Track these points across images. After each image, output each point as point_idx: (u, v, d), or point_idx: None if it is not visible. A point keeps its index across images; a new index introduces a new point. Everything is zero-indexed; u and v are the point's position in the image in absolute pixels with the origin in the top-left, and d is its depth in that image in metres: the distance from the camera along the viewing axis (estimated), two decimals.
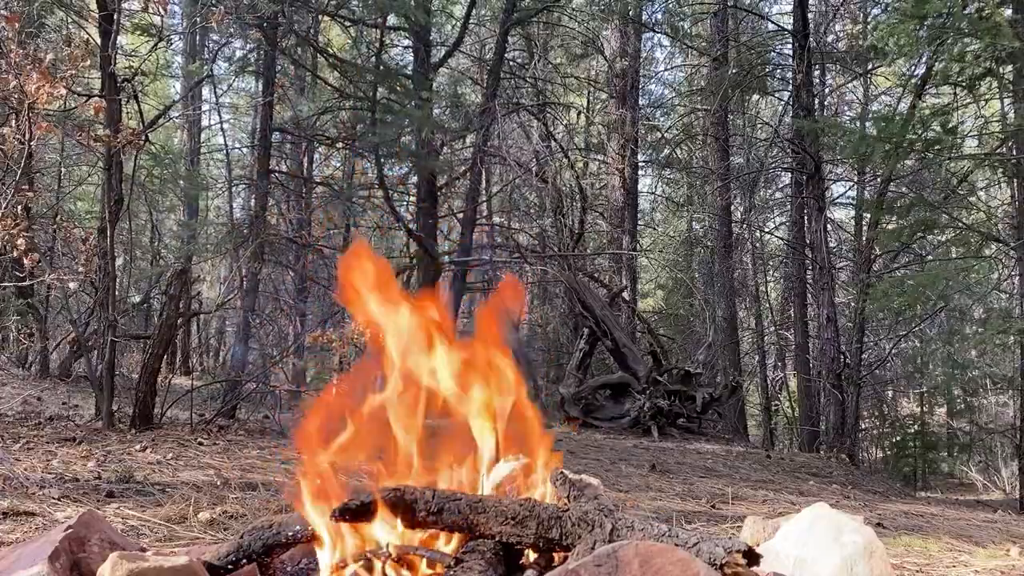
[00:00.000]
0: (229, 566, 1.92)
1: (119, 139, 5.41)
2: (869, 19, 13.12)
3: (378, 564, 1.86)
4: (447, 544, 1.94)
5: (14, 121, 5.36)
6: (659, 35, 16.23)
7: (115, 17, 5.87)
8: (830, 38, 14.09)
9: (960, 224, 10.32)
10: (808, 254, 12.01)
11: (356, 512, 1.84)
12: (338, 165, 15.35)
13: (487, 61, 12.69)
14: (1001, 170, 10.37)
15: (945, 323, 12.58)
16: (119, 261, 6.90)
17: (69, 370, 8.50)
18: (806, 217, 12.18)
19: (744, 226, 13.82)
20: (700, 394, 10.06)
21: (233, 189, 11.15)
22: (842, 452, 9.84)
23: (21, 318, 8.57)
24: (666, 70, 18.27)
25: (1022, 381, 10.39)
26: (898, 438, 12.72)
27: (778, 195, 15.62)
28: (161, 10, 6.43)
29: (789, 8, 13.59)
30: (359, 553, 1.89)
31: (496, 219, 15.52)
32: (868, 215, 11.59)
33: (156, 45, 7.26)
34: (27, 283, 5.97)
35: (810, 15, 12.34)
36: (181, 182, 9.08)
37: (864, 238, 11.87)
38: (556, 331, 14.93)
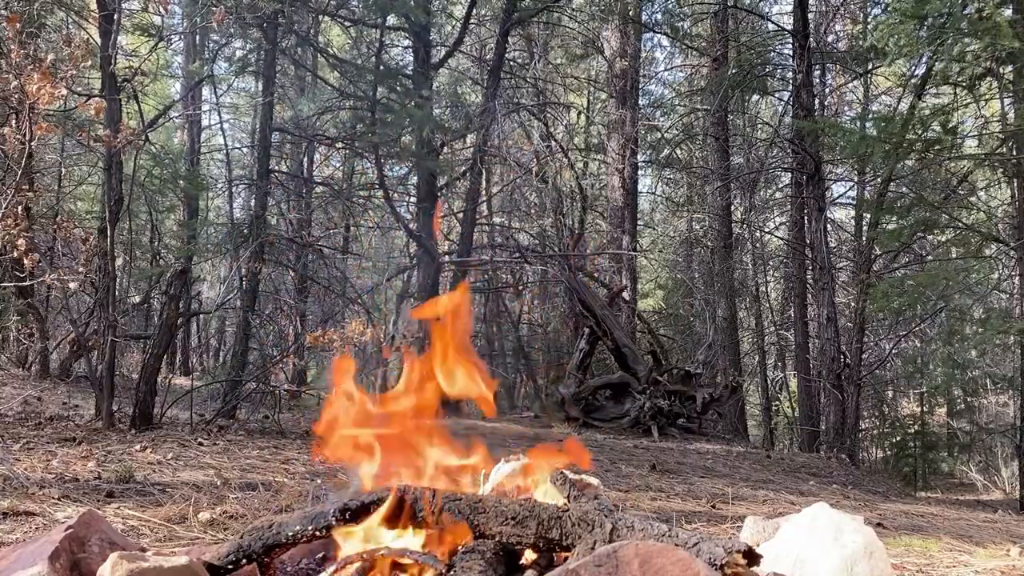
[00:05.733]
0: (229, 566, 1.92)
1: (119, 139, 5.41)
2: (869, 19, 13.11)
3: (376, 564, 1.86)
4: (446, 544, 1.93)
5: (14, 121, 5.36)
6: (659, 35, 16.22)
7: (115, 17, 5.87)
8: (830, 38, 14.08)
9: (960, 224, 10.31)
10: (808, 254, 12.01)
11: (356, 512, 1.84)
12: (338, 165, 15.35)
13: (487, 61, 12.69)
14: (1001, 170, 10.36)
15: (945, 323, 12.57)
16: (119, 261, 6.90)
17: (69, 370, 8.50)
18: (806, 217, 12.18)
19: (744, 226, 13.82)
20: (700, 394, 10.06)
21: (233, 189, 11.15)
22: (842, 452, 9.84)
23: (21, 318, 8.57)
24: (666, 70, 18.28)
25: (1022, 381, 10.39)
26: (898, 438, 12.72)
27: (778, 195, 15.61)
28: (161, 10, 6.43)
29: (789, 8, 13.60)
30: (356, 555, 1.89)
31: (496, 219, 15.52)
32: (868, 215, 11.59)
33: (156, 45, 7.26)
34: (27, 283, 5.97)
35: (810, 15, 12.34)
36: (181, 182, 9.07)
37: (864, 238, 11.87)
38: (556, 331, 14.94)
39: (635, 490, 5.07)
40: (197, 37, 12.96)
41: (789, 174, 13.83)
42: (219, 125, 12.54)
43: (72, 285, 6.42)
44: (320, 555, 2.09)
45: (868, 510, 5.19)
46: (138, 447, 4.72)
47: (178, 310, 6.24)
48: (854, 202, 14.22)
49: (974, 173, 11.13)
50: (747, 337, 15.44)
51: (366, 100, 9.63)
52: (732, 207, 14.23)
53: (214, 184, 12.89)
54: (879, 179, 10.98)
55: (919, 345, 14.23)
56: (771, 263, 16.00)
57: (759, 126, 15.15)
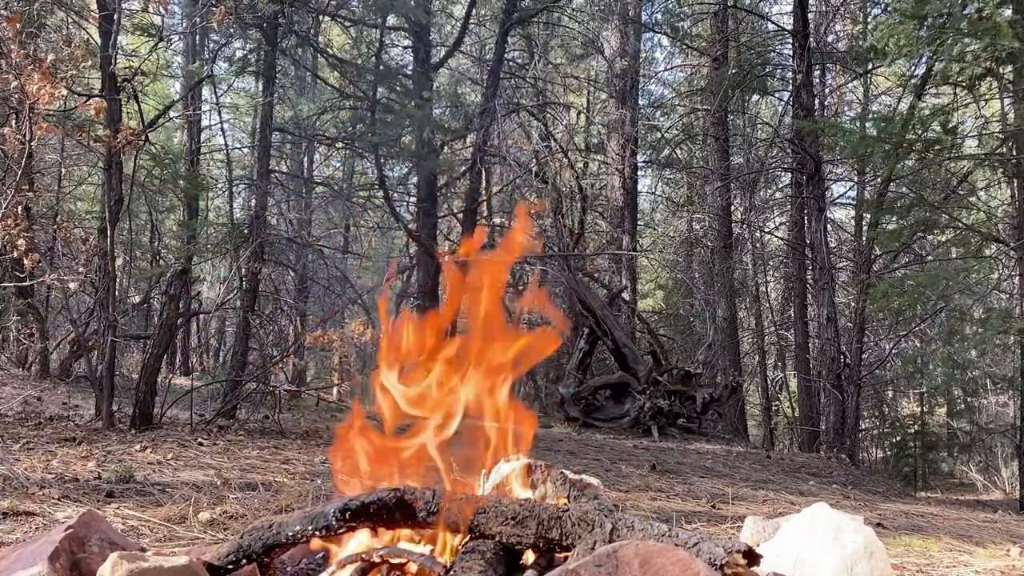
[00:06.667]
0: (229, 566, 1.92)
1: (119, 139, 5.41)
2: (869, 19, 13.11)
3: (375, 565, 1.86)
4: (448, 543, 1.93)
5: (14, 121, 5.36)
6: (659, 35, 16.23)
7: (115, 17, 5.87)
8: (830, 38, 14.08)
9: (960, 224, 10.31)
10: (808, 254, 12.01)
11: (356, 512, 1.84)
12: (338, 165, 15.35)
13: (487, 61, 12.68)
14: (1001, 170, 10.36)
15: (945, 323, 12.58)
16: (119, 261, 6.90)
17: (69, 370, 8.50)
18: (806, 217, 12.18)
19: (744, 226, 13.82)
20: (700, 394, 10.06)
21: (233, 189, 11.15)
22: (842, 452, 9.84)
23: (21, 318, 8.57)
24: (666, 70, 18.28)
25: (1022, 381, 10.39)
26: (898, 438, 12.72)
27: (778, 195, 15.61)
28: (161, 10, 6.43)
29: (789, 8, 13.60)
30: (355, 555, 1.89)
31: (496, 219, 15.51)
32: (868, 215, 11.59)
33: (156, 45, 7.26)
34: (27, 283, 5.97)
35: (810, 15, 12.33)
36: (181, 182, 9.07)
37: (864, 238, 11.87)
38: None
39: (635, 490, 5.07)
40: (197, 37, 12.95)
41: (789, 174, 13.84)
42: (219, 125, 12.54)
43: (72, 285, 6.43)
44: (320, 555, 2.09)
45: (868, 510, 5.19)
46: (138, 447, 4.72)
47: (178, 310, 6.24)
48: (854, 202, 14.22)
49: (974, 173, 11.13)
50: (747, 337, 15.44)
51: (366, 100, 9.63)
52: (732, 207, 14.23)
53: (214, 184, 12.89)
54: (879, 179, 10.98)
55: (919, 345, 14.23)
56: (771, 263, 16.00)
57: (759, 126, 15.15)
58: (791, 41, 11.99)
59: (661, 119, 16.20)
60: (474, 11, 11.87)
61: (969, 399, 14.24)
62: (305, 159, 13.82)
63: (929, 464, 12.42)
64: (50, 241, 8.58)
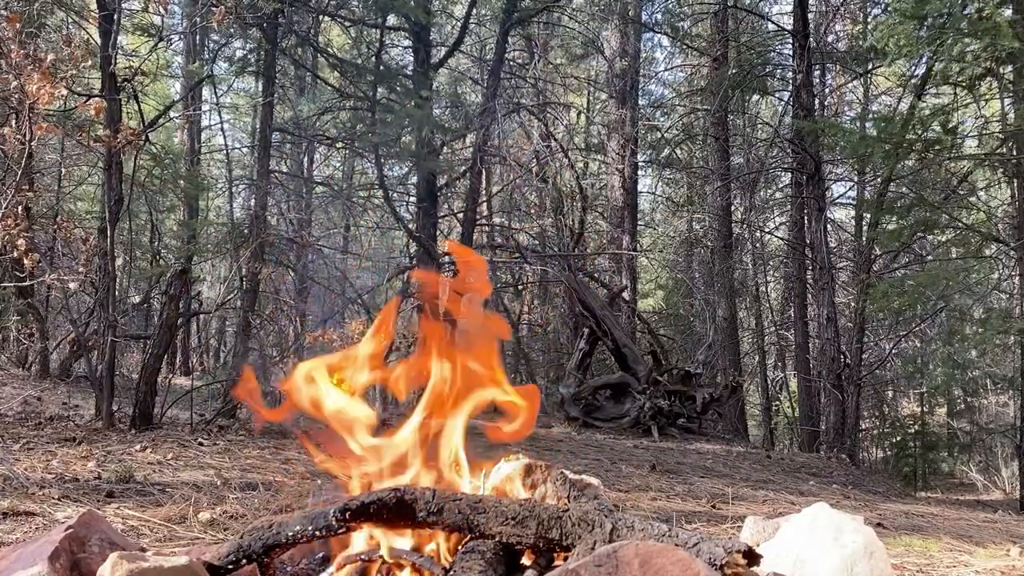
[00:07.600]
0: (229, 566, 1.92)
1: (119, 139, 5.41)
2: (869, 19, 13.11)
3: (375, 565, 1.86)
4: (446, 543, 1.93)
5: (14, 121, 5.36)
6: (659, 35, 16.23)
7: (115, 17, 5.87)
8: (830, 38, 14.08)
9: (960, 224, 10.31)
10: (808, 254, 12.01)
11: (356, 512, 1.84)
12: (338, 165, 15.36)
13: (487, 61, 12.68)
14: (1001, 170, 10.36)
15: (945, 323, 12.58)
16: (119, 261, 6.90)
17: (69, 370, 8.50)
18: (806, 217, 12.18)
19: (744, 226, 13.82)
20: (700, 394, 10.06)
21: (233, 189, 11.14)
22: (842, 452, 9.84)
23: (21, 318, 8.57)
24: (666, 70, 18.28)
25: (1022, 381, 10.39)
26: (898, 438, 12.72)
27: (778, 195, 15.61)
28: (161, 10, 6.43)
29: (789, 8, 13.60)
30: (354, 555, 1.89)
31: (496, 219, 15.52)
32: (868, 215, 11.59)
33: (156, 45, 7.26)
34: (27, 283, 5.97)
35: (810, 15, 12.34)
36: (181, 182, 9.07)
37: (864, 238, 11.87)
38: (556, 331, 14.93)
39: (635, 490, 5.07)
40: (197, 37, 12.95)
41: (789, 174, 13.84)
42: (219, 125, 12.56)
43: (72, 285, 6.43)
44: (320, 555, 2.09)
45: (868, 510, 5.19)
46: (138, 447, 4.72)
47: (178, 310, 6.24)
48: (854, 202, 14.22)
49: (974, 173, 11.13)
50: (747, 337, 15.44)
51: (366, 100, 9.63)
52: (732, 207, 14.23)
53: (214, 184, 12.89)
54: (879, 179, 10.97)
55: (919, 345, 14.23)
56: (771, 263, 16.00)
57: (759, 126, 15.15)
58: (791, 41, 11.98)
59: (661, 119, 16.20)
60: (474, 11, 11.87)
61: (969, 399, 14.24)
62: (305, 159, 13.83)
63: (929, 464, 12.42)
64: (50, 241, 8.58)
